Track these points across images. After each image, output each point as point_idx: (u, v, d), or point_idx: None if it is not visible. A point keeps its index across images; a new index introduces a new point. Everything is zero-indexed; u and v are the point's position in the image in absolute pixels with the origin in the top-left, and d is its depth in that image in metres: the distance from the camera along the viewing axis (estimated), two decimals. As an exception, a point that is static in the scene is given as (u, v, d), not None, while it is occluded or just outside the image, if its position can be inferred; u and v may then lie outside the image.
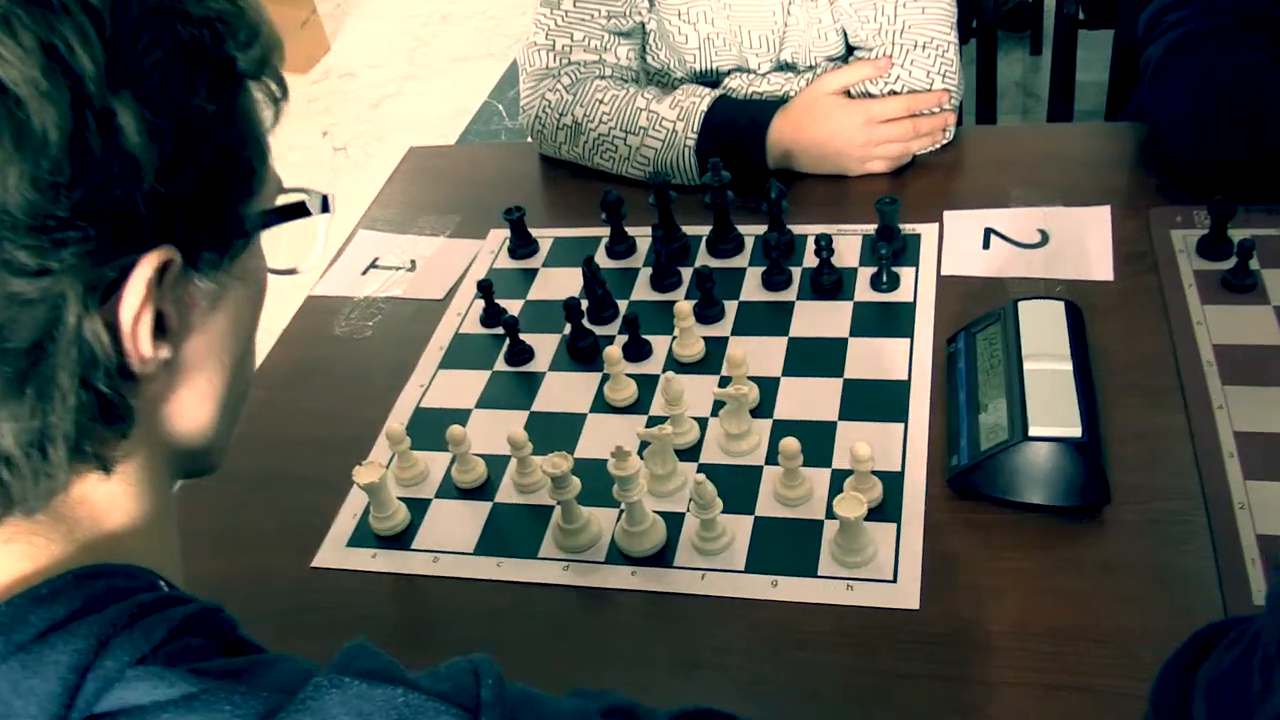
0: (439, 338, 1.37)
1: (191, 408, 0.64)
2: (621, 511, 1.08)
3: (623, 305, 1.36)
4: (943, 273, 1.31)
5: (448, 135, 3.79)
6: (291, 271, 0.71)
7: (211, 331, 0.63)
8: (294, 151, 3.84)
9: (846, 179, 1.48)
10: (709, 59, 1.56)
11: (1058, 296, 1.18)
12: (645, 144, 1.48)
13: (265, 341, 1.45)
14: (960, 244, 1.35)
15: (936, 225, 1.38)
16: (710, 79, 1.56)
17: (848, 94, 1.46)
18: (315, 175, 3.70)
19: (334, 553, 1.13)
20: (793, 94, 1.50)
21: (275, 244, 0.68)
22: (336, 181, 3.65)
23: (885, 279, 1.29)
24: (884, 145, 1.45)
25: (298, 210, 0.66)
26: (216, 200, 0.59)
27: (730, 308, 1.32)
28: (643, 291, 1.38)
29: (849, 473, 1.06)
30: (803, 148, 1.45)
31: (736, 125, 1.45)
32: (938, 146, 1.49)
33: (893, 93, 1.45)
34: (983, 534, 1.03)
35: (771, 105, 1.47)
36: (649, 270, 1.39)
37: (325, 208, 0.68)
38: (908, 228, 1.38)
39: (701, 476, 1.02)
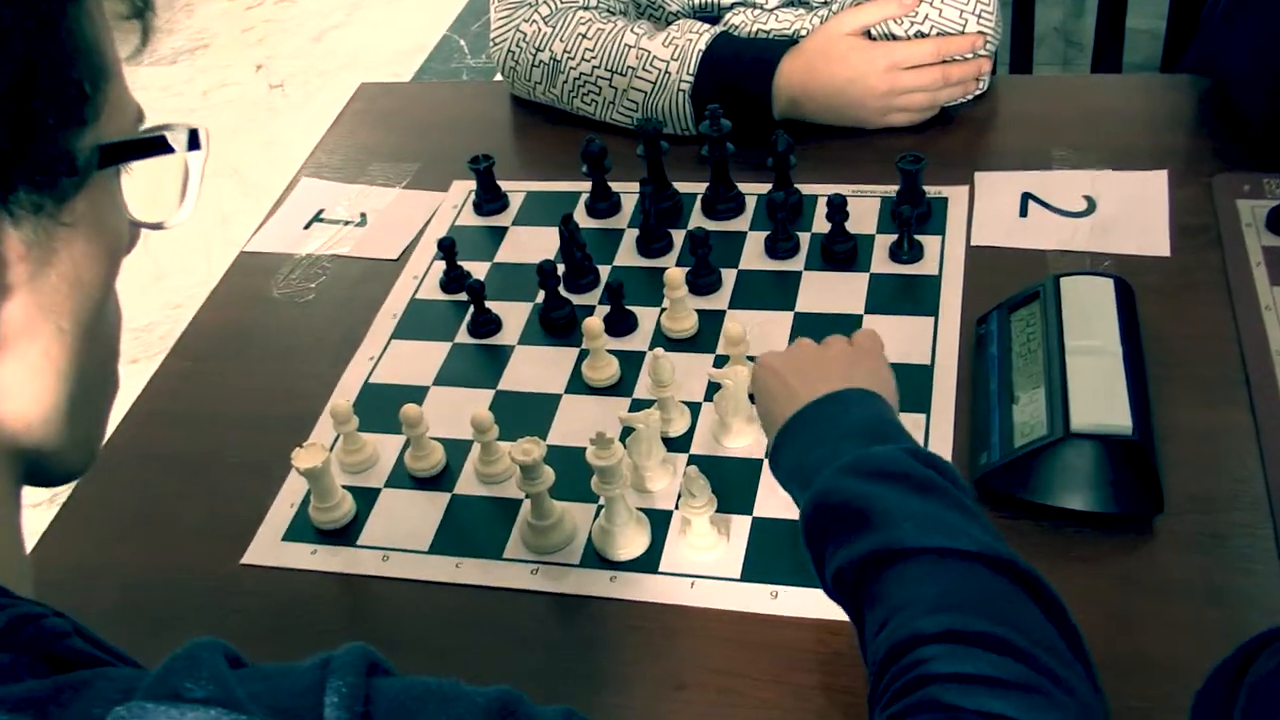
0: (392, 304, 1.35)
1: (21, 384, 0.60)
2: (601, 507, 1.07)
3: (604, 271, 1.35)
4: (973, 242, 1.31)
5: (401, 74, 3.76)
6: (158, 226, 0.66)
7: (42, 292, 0.59)
8: (224, 89, 3.81)
9: (864, 133, 1.47)
10: None
11: (1106, 273, 1.18)
12: (634, 86, 1.47)
13: (190, 304, 1.44)
14: (994, 210, 1.34)
15: (967, 188, 1.38)
16: (710, 14, 1.55)
17: (868, 35, 1.45)
18: (248, 115, 3.67)
19: (267, 548, 1.12)
20: (804, 33, 1.48)
21: (156, 191, 0.65)
22: (272, 123, 3.62)
23: (907, 248, 1.28)
24: (907, 95, 1.44)
25: (154, 146, 0.62)
26: (28, 128, 0.55)
27: (728, 277, 1.31)
28: (628, 256, 1.36)
29: (863, 469, 1.06)
30: (814, 95, 1.44)
31: (739, 66, 1.44)
32: (969, 98, 1.48)
33: (920, 35, 1.44)
34: (1014, 544, 1.01)
35: (780, 45, 1.46)
36: (635, 232, 1.38)
37: (194, 144, 0.64)
38: (933, 190, 1.37)
39: (693, 469, 1.02)
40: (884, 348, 1.02)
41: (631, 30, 1.48)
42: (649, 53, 1.46)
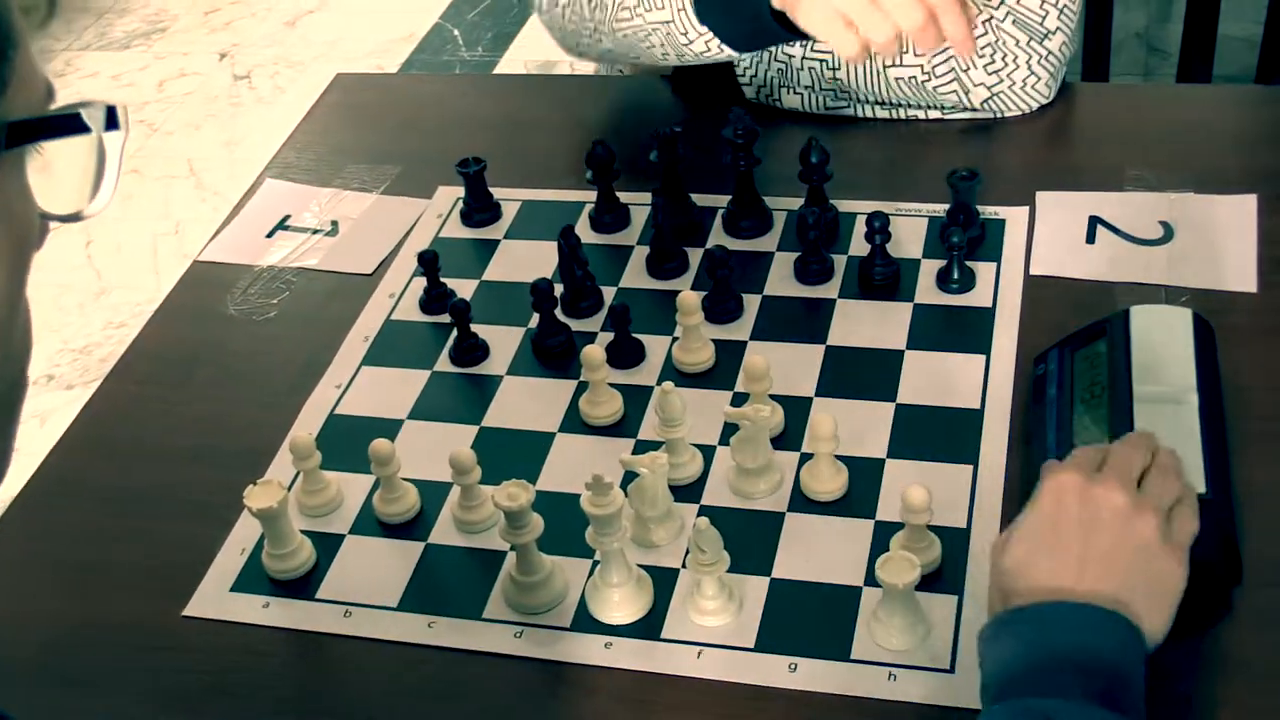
0: (365, 324, 1.37)
1: None
2: (596, 563, 1.08)
3: (609, 293, 1.36)
4: (1032, 271, 1.32)
5: (385, 66, 3.79)
6: (75, 217, 0.65)
7: None
8: (183, 79, 3.85)
9: (910, 144, 1.49)
10: None
11: (1185, 306, 1.19)
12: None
13: (136, 324, 1.45)
14: (1057, 235, 1.36)
15: (1027, 210, 1.39)
16: None
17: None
18: (208, 110, 3.71)
19: (214, 599, 1.13)
20: None
21: (50, 180, 0.65)
22: (236, 120, 3.66)
23: (957, 276, 1.30)
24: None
25: (68, 125, 0.62)
26: None
27: (751, 303, 1.32)
28: (636, 276, 1.38)
29: (898, 526, 1.07)
30: None
31: None
32: (1001, 114, 1.49)
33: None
34: (1071, 615, 1.03)
35: None
36: (645, 249, 1.39)
37: (113, 123, 0.63)
38: (988, 210, 1.38)
39: (704, 521, 1.02)
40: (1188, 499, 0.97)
41: None
42: None
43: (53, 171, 0.63)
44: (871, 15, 1.23)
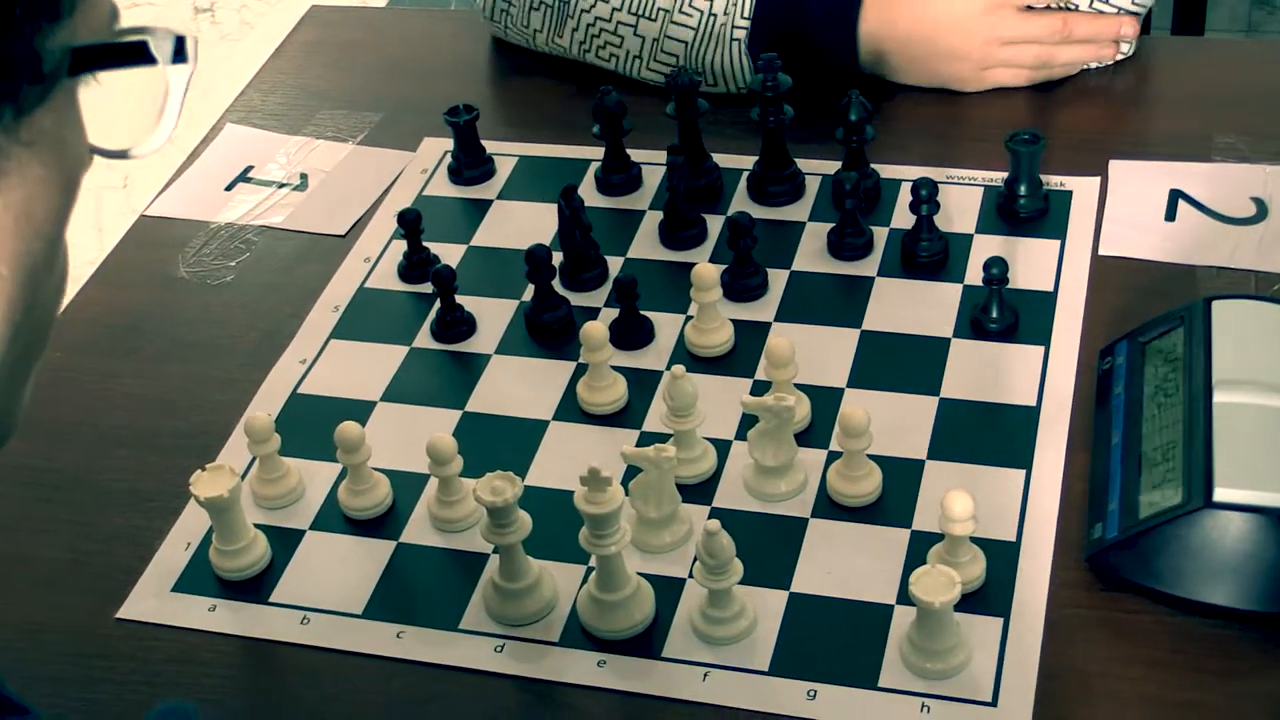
0: (335, 292, 1.38)
1: None
2: (590, 569, 1.08)
3: (615, 264, 1.37)
4: (1101, 251, 1.32)
5: (370, 1, 3.80)
6: (123, 154, 0.68)
7: None
8: (136, 9, 3.85)
9: (962, 98, 1.49)
10: None
11: (1275, 299, 1.19)
12: (668, 35, 1.49)
13: (74, 286, 1.45)
14: (1132, 210, 1.36)
15: (1098, 180, 1.39)
16: None
17: None
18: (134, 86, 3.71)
19: (152, 600, 1.14)
20: None
21: (103, 111, 0.68)
22: (198, 57, 3.66)
23: (996, 315, 1.29)
24: (1014, 48, 1.46)
25: (133, 53, 0.65)
26: None
27: (777, 279, 1.33)
28: (647, 246, 1.39)
29: (938, 537, 1.07)
30: (900, 40, 1.46)
31: (810, 2, 1.46)
32: (1103, 65, 1.50)
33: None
34: (1132, 645, 1.03)
35: None
36: (659, 215, 1.40)
37: (180, 55, 0.66)
38: (1052, 180, 1.39)
39: (715, 524, 1.03)
40: None
41: None
42: None
43: (106, 101, 0.66)
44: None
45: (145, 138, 0.68)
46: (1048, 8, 1.46)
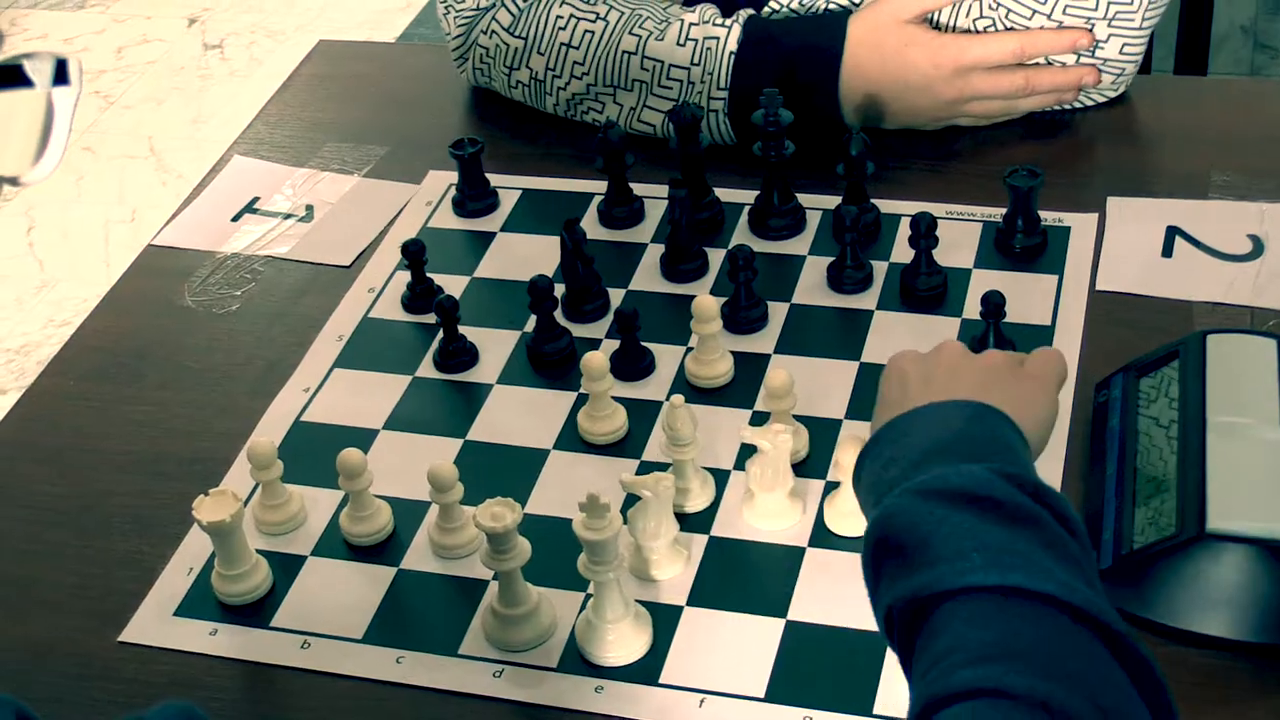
0: (339, 322, 1.39)
1: None
2: (589, 596, 1.09)
3: (616, 296, 1.38)
4: (1099, 286, 1.33)
5: (377, 39, 3.82)
6: (12, 182, 0.67)
7: None
8: (145, 46, 3.88)
9: (961, 134, 1.51)
10: None
11: (1269, 334, 1.20)
12: (648, 105, 1.51)
13: (81, 318, 1.47)
14: (1129, 246, 1.37)
15: (1095, 216, 1.40)
16: None
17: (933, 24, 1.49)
18: (173, 82, 3.73)
19: (154, 623, 1.14)
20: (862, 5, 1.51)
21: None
22: (205, 94, 3.69)
23: (993, 342, 1.29)
24: (979, 103, 1.49)
25: (9, 76, 0.64)
26: None
27: (776, 312, 1.34)
28: (649, 278, 1.40)
29: (934, 566, 1.08)
30: (870, 101, 1.48)
31: (788, 59, 1.47)
32: (1070, 107, 1.52)
33: (1012, 27, 1.47)
34: (1126, 673, 1.04)
35: (837, 20, 1.49)
36: (660, 248, 1.41)
37: (61, 77, 0.66)
38: (1050, 216, 1.40)
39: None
40: (1064, 380, 1.06)
41: (630, 29, 1.51)
42: (661, 61, 1.49)
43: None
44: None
45: (33, 164, 0.67)
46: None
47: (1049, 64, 1.48)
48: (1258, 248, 1.36)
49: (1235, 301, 1.30)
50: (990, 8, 1.47)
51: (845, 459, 1.11)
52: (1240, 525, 1.03)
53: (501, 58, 1.56)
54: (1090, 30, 1.46)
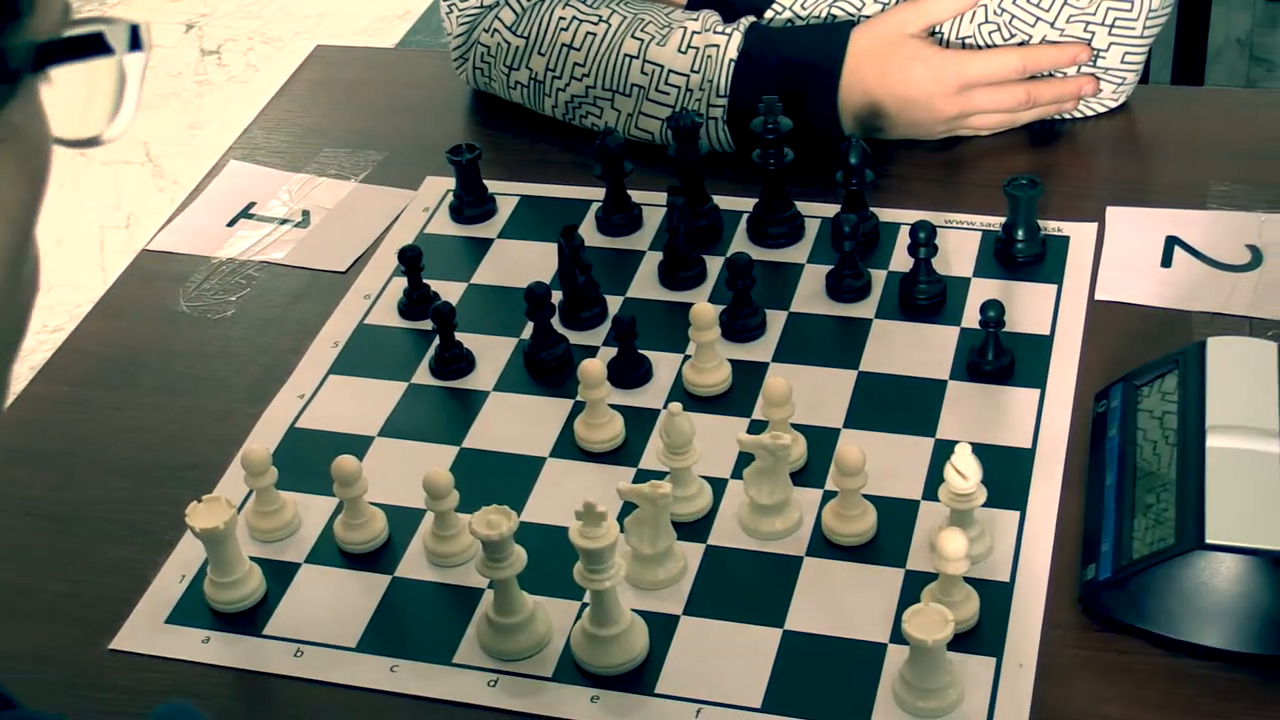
0: (335, 328, 1.38)
1: None
2: (585, 605, 1.09)
3: (614, 303, 1.37)
4: (1098, 296, 1.33)
5: (376, 46, 3.82)
6: (93, 141, 0.69)
7: None
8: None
9: (961, 143, 1.50)
10: None
11: (1268, 341, 1.19)
12: (644, 113, 1.51)
13: (72, 315, 1.46)
14: (1128, 256, 1.37)
15: (1095, 225, 1.40)
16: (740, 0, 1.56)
17: (938, 38, 1.49)
18: (170, 88, 3.74)
19: (146, 631, 1.14)
20: (869, 16, 1.51)
21: (61, 103, 0.69)
22: (202, 101, 3.68)
23: (991, 357, 1.28)
24: (980, 116, 1.49)
25: (92, 45, 0.66)
26: None
27: (775, 320, 1.33)
28: (647, 285, 1.39)
29: (932, 577, 1.07)
30: (872, 112, 1.48)
31: (788, 68, 1.47)
32: (1070, 116, 1.51)
33: (1022, 43, 1.47)
34: (1126, 686, 1.04)
35: (839, 31, 1.49)
36: (658, 255, 1.41)
37: (136, 44, 0.67)
38: (1051, 225, 1.40)
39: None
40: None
41: (632, 33, 1.50)
42: (661, 67, 1.49)
43: (67, 93, 0.67)
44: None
45: (108, 124, 0.69)
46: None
47: (1049, 76, 1.48)
48: (1256, 258, 1.35)
49: (1234, 312, 1.30)
50: (995, 13, 1.47)
51: (849, 462, 1.11)
52: (1239, 536, 1.03)
53: (502, 57, 1.56)
54: (1090, 43, 1.46)
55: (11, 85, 0.63)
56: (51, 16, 0.65)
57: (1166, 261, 1.36)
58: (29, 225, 0.67)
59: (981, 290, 1.33)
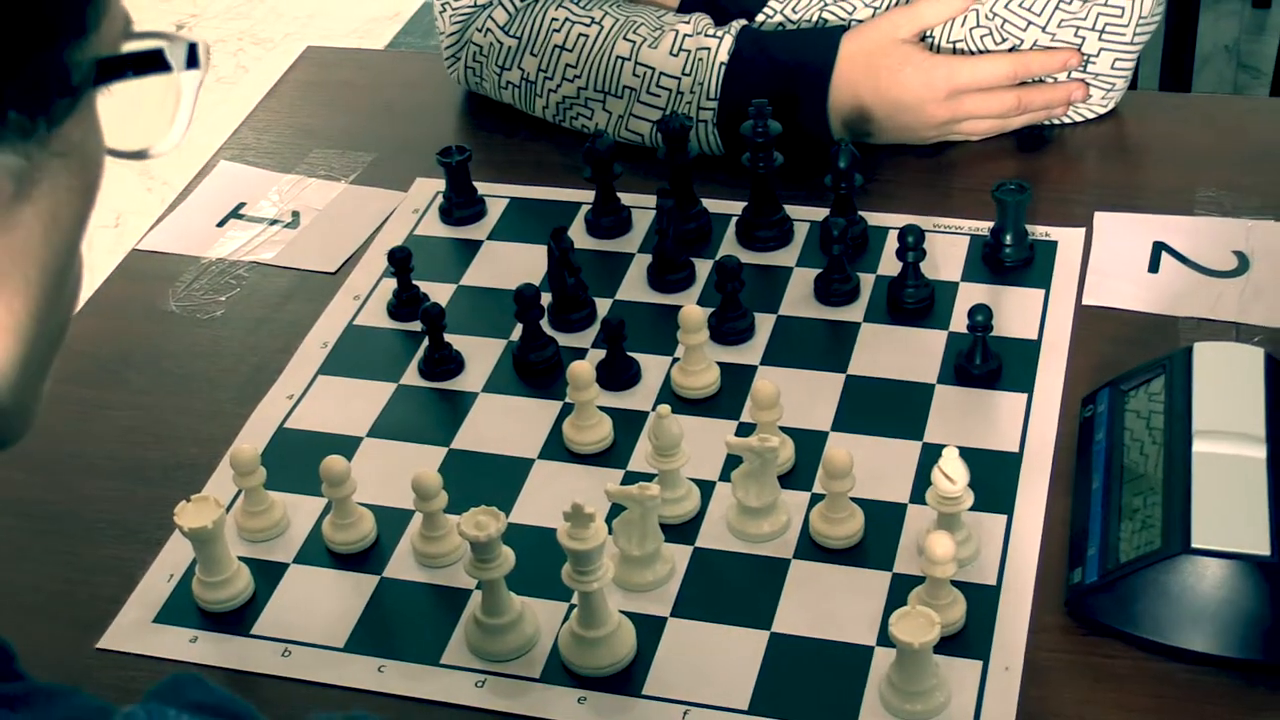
0: (324, 329, 1.38)
1: None
2: (572, 606, 1.09)
3: (603, 305, 1.37)
4: (1085, 301, 1.33)
5: (365, 46, 3.82)
6: (141, 154, 0.71)
7: (15, 232, 0.64)
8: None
9: (950, 148, 1.51)
10: None
11: (1255, 347, 1.20)
12: (634, 115, 1.51)
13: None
14: (1116, 261, 1.37)
15: (1083, 231, 1.40)
16: (732, 3, 1.56)
17: (929, 42, 1.49)
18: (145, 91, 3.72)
19: (133, 630, 1.14)
20: (860, 20, 1.51)
21: (117, 115, 0.69)
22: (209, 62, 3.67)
23: (979, 360, 1.29)
24: (971, 121, 1.49)
25: (149, 62, 0.67)
26: (32, 35, 0.60)
27: (764, 323, 1.34)
28: (636, 288, 1.39)
29: (919, 580, 1.08)
30: (862, 117, 1.48)
31: (778, 72, 1.47)
32: (1059, 121, 1.52)
33: (1012, 48, 1.47)
34: (1112, 689, 1.04)
35: (830, 35, 1.49)
36: (647, 258, 1.41)
37: (192, 61, 0.69)
38: (1038, 230, 1.40)
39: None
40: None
41: (624, 35, 1.51)
42: (652, 69, 1.49)
43: (120, 105, 0.69)
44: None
45: (161, 139, 0.71)
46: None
47: (1040, 81, 1.48)
48: (1243, 264, 1.36)
49: (1220, 317, 1.30)
50: (987, 18, 1.47)
51: (837, 465, 1.11)
52: (1225, 541, 1.03)
53: (494, 56, 1.56)
54: (1080, 48, 1.46)
55: (73, 100, 0.64)
56: (114, 31, 0.66)
57: (1154, 267, 1.36)
58: (78, 238, 0.69)
59: (969, 294, 1.34)
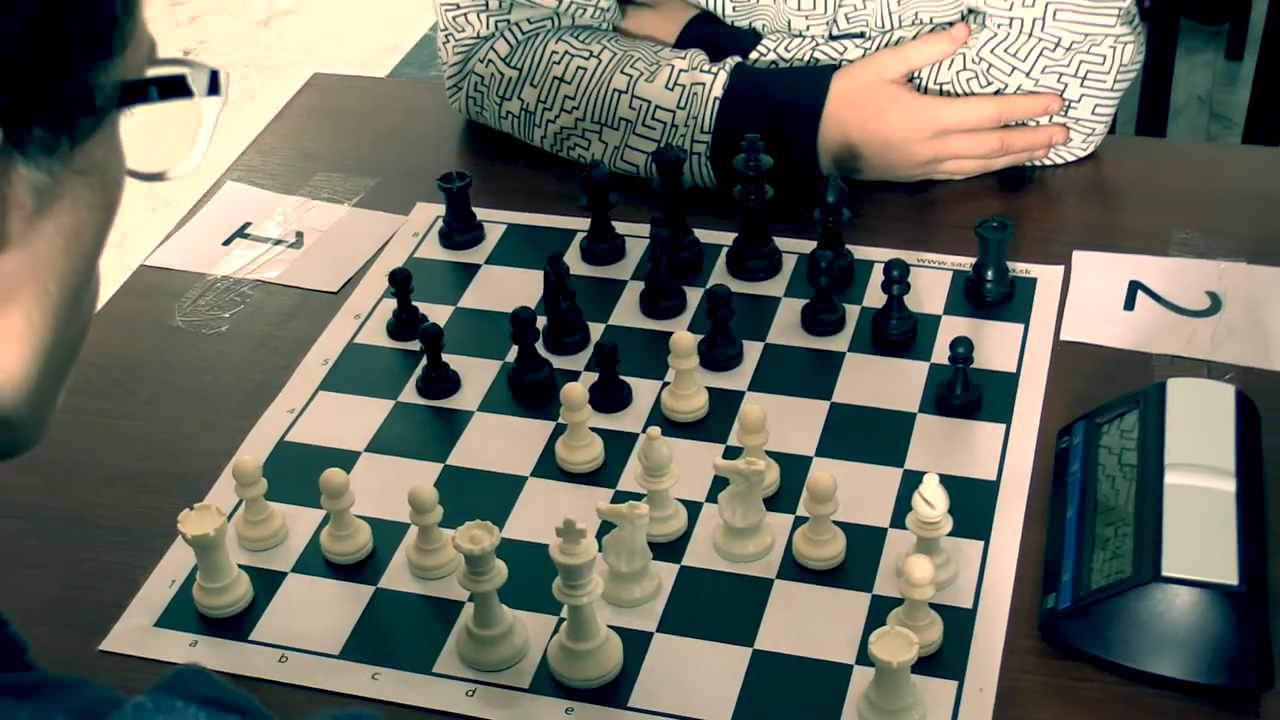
0: (325, 346, 1.39)
1: None
2: (562, 620, 1.09)
3: (597, 330, 1.38)
4: (1063, 336, 1.34)
5: (368, 73, 3.83)
6: (160, 176, 0.73)
7: (37, 246, 0.65)
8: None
9: (935, 186, 1.52)
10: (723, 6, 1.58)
11: (1226, 384, 1.21)
12: (630, 146, 1.52)
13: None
14: (1093, 299, 1.38)
15: (1062, 269, 1.42)
16: (727, 40, 1.58)
17: (917, 84, 1.51)
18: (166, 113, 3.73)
19: (135, 634, 1.14)
20: (851, 60, 1.53)
21: (138, 137, 0.70)
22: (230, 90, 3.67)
23: (960, 391, 1.29)
24: (955, 161, 1.51)
25: (172, 87, 0.68)
26: (58, 56, 0.61)
27: (751, 350, 1.34)
28: (628, 314, 1.40)
29: (898, 602, 1.08)
30: (849, 154, 1.50)
31: (770, 108, 1.48)
32: (1040, 163, 1.53)
33: (997, 91, 1.49)
34: (1081, 711, 1.05)
35: (821, 74, 1.50)
36: (640, 285, 1.42)
37: (214, 88, 0.70)
38: (1019, 267, 1.41)
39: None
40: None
41: (622, 68, 1.52)
42: (648, 102, 1.51)
43: (141, 127, 0.70)
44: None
45: (179, 162, 0.72)
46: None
47: (1023, 124, 1.49)
48: (1215, 304, 1.37)
49: (1193, 355, 1.31)
50: (973, 62, 1.48)
51: (821, 489, 1.12)
52: (1194, 570, 1.04)
53: (495, 87, 1.57)
54: (1063, 94, 1.47)
55: (97, 120, 0.65)
56: (140, 56, 0.67)
57: (1129, 305, 1.37)
58: (97, 254, 0.69)
59: (951, 328, 1.35)
